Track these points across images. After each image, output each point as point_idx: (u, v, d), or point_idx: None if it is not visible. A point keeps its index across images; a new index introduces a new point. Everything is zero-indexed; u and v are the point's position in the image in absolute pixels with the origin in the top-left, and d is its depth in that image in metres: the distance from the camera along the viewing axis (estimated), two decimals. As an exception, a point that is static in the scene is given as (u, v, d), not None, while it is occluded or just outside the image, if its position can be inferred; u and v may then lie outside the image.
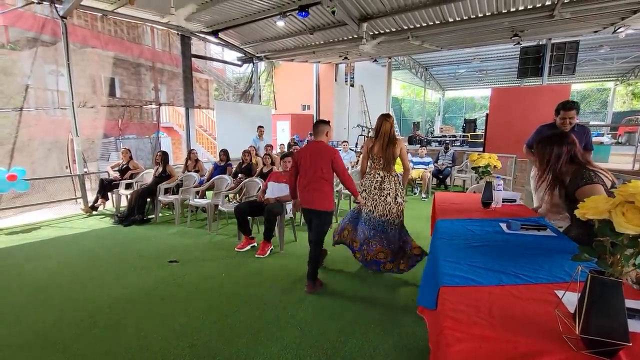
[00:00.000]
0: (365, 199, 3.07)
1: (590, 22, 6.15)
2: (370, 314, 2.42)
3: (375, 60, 11.34)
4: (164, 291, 2.80)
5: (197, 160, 5.81)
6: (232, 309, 2.51)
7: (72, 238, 4.31)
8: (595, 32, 6.89)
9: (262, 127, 7.73)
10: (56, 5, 5.28)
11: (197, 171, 5.66)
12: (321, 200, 2.82)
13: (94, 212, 5.50)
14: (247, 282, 2.96)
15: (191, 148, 6.23)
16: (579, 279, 1.00)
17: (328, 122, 2.98)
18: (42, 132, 5.55)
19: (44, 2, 5.23)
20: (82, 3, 5.32)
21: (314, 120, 13.34)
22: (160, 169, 5.30)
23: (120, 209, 5.37)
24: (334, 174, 2.86)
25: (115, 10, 6.03)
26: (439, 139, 13.69)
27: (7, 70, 5.20)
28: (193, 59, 7.81)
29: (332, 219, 3.11)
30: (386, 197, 3.01)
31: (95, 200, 5.54)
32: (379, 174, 3.07)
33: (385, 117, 3.06)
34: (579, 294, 0.93)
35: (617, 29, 6.47)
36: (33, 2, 5.19)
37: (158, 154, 5.43)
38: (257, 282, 2.98)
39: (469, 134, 13.96)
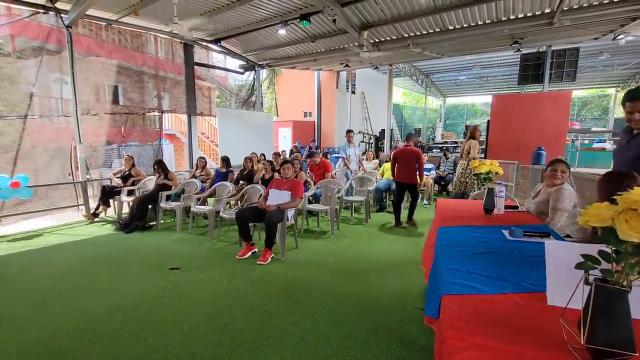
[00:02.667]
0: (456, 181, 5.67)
1: (589, 29, 6.18)
2: (372, 322, 2.39)
3: (376, 68, 11.41)
4: (165, 299, 2.78)
5: (204, 167, 5.87)
6: (233, 316, 2.49)
7: (73, 245, 4.31)
8: (595, 39, 6.92)
9: (352, 130, 6.61)
10: (61, 15, 5.37)
11: (203, 175, 5.70)
12: (412, 178, 4.93)
13: (96, 219, 5.51)
14: (248, 290, 2.94)
15: (200, 156, 6.26)
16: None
17: (414, 134, 5.70)
18: (45, 140, 5.60)
19: (50, 12, 5.32)
20: (87, 13, 5.41)
21: (315, 127, 13.44)
22: (162, 176, 5.31)
23: (122, 215, 5.37)
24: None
25: (119, 20, 6.13)
26: (440, 146, 13.69)
27: (13, 78, 5.27)
28: (195, 66, 7.89)
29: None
30: (464, 175, 5.50)
31: (97, 207, 5.55)
32: (462, 161, 5.52)
33: (472, 127, 5.69)
34: (584, 303, 0.92)
35: (617, 36, 6.50)
36: (39, 12, 5.28)
37: (154, 165, 5.38)
38: (258, 289, 2.96)
39: (470, 141, 13.93)
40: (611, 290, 0.85)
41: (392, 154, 5.40)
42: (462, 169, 5.49)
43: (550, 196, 2.50)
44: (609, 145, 12.71)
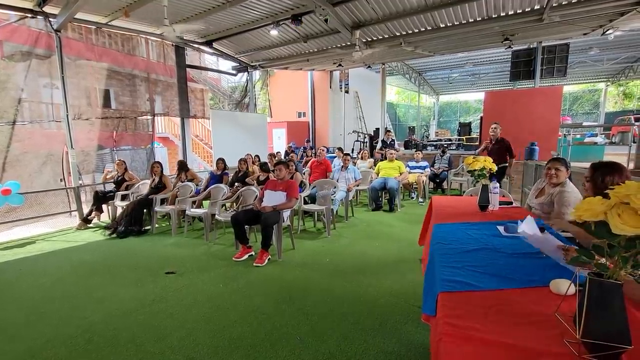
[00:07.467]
0: None
1: (579, 24, 6.25)
2: (369, 321, 2.39)
3: (369, 67, 11.45)
4: (161, 304, 2.75)
5: (186, 170, 5.62)
6: (230, 320, 2.47)
7: (66, 252, 4.25)
8: (585, 34, 7.00)
9: (341, 150, 5.98)
10: (50, 19, 5.30)
11: (191, 180, 5.59)
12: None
13: (89, 225, 5.43)
14: (245, 293, 2.92)
15: (180, 159, 5.98)
16: (578, 282, 0.99)
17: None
18: (36, 145, 5.51)
19: (38, 16, 5.24)
20: (76, 16, 5.34)
21: (309, 127, 13.42)
22: (157, 180, 5.26)
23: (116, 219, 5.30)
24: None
25: (109, 23, 6.06)
26: (434, 143, 13.76)
27: (1, 84, 5.17)
28: (188, 69, 7.83)
29: None
30: None
31: (89, 213, 5.47)
32: None
33: None
34: (579, 297, 0.92)
35: (606, 31, 6.58)
36: (27, 17, 5.20)
37: (155, 164, 5.36)
38: (255, 292, 2.94)
39: (464, 137, 14.05)
40: (605, 284, 0.85)
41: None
42: None
43: (554, 198, 2.39)
44: (600, 139, 12.86)
